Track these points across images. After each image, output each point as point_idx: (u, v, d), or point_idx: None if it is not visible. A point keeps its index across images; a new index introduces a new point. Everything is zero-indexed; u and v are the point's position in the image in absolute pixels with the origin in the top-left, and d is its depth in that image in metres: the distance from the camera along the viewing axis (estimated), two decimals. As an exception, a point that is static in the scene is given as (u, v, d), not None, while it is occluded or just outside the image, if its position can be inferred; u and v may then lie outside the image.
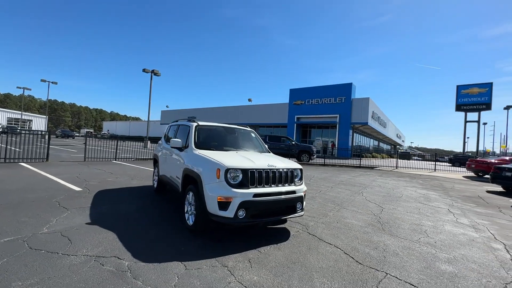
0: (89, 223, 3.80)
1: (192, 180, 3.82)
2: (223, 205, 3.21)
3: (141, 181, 7.35)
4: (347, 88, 30.46)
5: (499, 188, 10.90)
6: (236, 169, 3.35)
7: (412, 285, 2.63)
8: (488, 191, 10.08)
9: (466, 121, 39.86)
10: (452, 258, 3.37)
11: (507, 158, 16.16)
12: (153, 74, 25.71)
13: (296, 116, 34.29)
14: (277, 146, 17.87)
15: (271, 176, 3.53)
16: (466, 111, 40.62)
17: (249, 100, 41.54)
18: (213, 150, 4.23)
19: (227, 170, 3.31)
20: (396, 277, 2.76)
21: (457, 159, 30.06)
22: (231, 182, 3.29)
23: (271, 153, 4.83)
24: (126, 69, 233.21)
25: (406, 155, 44.44)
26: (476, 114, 40.10)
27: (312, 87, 33.41)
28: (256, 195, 3.30)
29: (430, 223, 4.98)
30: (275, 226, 4.14)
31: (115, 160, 12.48)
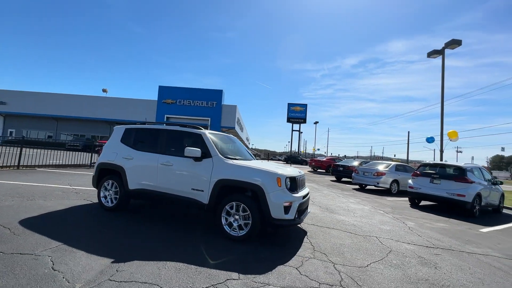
0: None
1: (241, 191, 3.89)
2: (287, 209, 3.72)
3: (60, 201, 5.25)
4: (218, 94, 33.01)
5: (333, 178, 16.75)
6: (289, 177, 3.93)
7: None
8: (332, 180, 15.37)
9: (292, 130, 54.24)
10: (363, 218, 5.73)
11: (333, 157, 24.53)
12: None
13: (166, 116, 32.73)
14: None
15: (300, 181, 4.37)
16: (293, 122, 54.82)
17: (104, 90, 34.61)
18: (236, 159, 4.34)
19: (286, 178, 3.83)
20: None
21: (289, 158, 40.57)
22: (289, 188, 3.85)
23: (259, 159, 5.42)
24: None
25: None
26: (298, 125, 55.28)
27: (184, 88, 33.24)
28: (303, 197, 4.06)
29: (341, 204, 7.53)
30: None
31: None
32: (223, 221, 3.89)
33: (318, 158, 24.48)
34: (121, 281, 2.47)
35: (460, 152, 72.06)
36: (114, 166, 4.84)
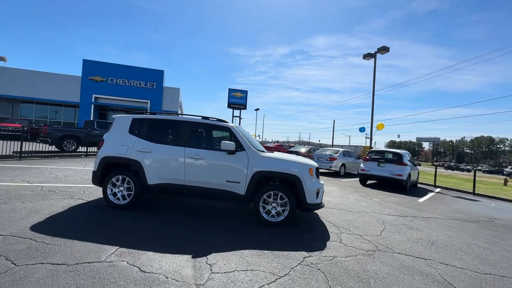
0: None
1: (278, 181, 4.24)
2: (317, 195, 4.33)
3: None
4: (158, 75, 30.29)
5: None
6: (316, 168, 4.52)
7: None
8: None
9: (233, 116, 54.68)
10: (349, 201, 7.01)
11: (281, 144, 26.23)
12: None
13: (93, 95, 28.23)
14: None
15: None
16: (233, 108, 54.89)
17: (1, 59, 27.12)
18: (264, 152, 4.64)
19: (316, 168, 4.41)
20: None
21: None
22: (316, 177, 4.45)
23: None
24: None
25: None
26: (239, 111, 55.85)
27: (117, 65, 29.11)
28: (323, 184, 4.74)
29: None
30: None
31: None
32: (261, 209, 4.22)
33: (268, 145, 25.91)
34: (225, 272, 2.63)
35: (368, 138, 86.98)
36: (127, 160, 4.42)
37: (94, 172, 4.54)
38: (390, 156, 10.29)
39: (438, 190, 11.22)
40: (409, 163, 10.13)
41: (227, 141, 4.26)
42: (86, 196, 5.07)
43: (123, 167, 4.55)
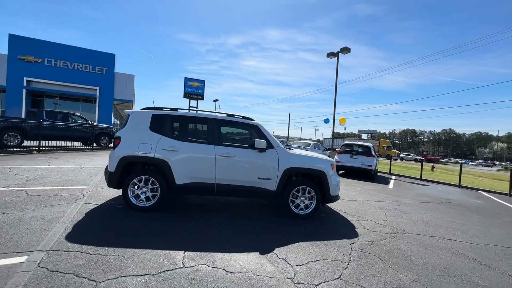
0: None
1: (305, 177, 4.51)
2: (337, 187, 4.78)
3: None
4: (109, 58, 27.11)
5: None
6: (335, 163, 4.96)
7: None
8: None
9: (190, 107, 52.51)
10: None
11: None
12: None
13: (25, 79, 23.89)
14: (63, 127, 13.05)
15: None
16: (190, 98, 52.67)
17: None
18: (290, 149, 4.85)
19: (335, 164, 4.84)
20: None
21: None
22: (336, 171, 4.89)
23: None
24: None
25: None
26: (196, 102, 53.86)
27: (57, 44, 25.00)
28: (338, 178, 5.23)
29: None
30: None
31: None
32: (291, 203, 4.48)
33: None
34: (302, 264, 2.85)
35: (317, 129, 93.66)
36: (152, 160, 4.13)
37: (111, 174, 4.13)
38: (360, 148, 11.55)
39: (394, 177, 13.07)
40: (375, 154, 11.54)
41: (260, 139, 4.35)
42: (90, 199, 4.56)
43: (146, 167, 4.25)
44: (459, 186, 11.49)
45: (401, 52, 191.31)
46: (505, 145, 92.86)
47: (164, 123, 4.37)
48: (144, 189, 4.16)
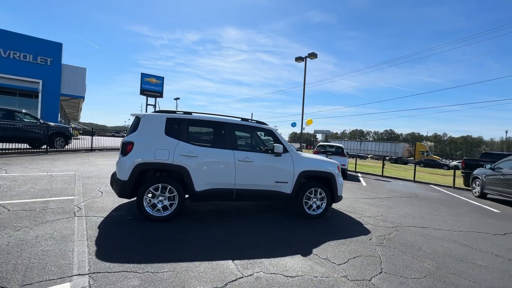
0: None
1: (317, 179, 4.74)
2: (342, 188, 5.15)
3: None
4: (55, 48, 23.87)
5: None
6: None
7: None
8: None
9: (147, 104, 49.13)
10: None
11: None
12: None
13: None
14: (8, 126, 11.19)
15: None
16: (147, 96, 49.34)
17: None
18: (301, 153, 5.04)
19: (340, 166, 5.21)
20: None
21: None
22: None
23: None
24: None
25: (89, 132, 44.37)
26: (154, 99, 50.62)
27: (-15, 27, 21.04)
28: (338, 178, 5.61)
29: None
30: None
31: None
32: (304, 205, 4.68)
33: None
34: (344, 262, 3.05)
35: (277, 129, 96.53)
36: (170, 166, 3.89)
37: (124, 183, 3.78)
38: (333, 149, 12.42)
39: (360, 175, 14.36)
40: (346, 154, 12.54)
41: (278, 144, 4.45)
42: (90, 211, 4.09)
43: (163, 174, 3.99)
44: (414, 181, 13.21)
45: (349, 59, 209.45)
46: (433, 143, 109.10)
47: (180, 127, 4.16)
48: (161, 198, 3.91)
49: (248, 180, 4.34)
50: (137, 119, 4.18)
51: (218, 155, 4.21)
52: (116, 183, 3.90)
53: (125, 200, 4.84)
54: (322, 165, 4.86)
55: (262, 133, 5.04)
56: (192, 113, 4.42)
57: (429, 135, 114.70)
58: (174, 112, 4.33)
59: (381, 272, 2.90)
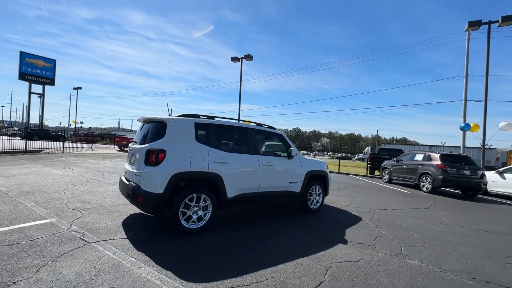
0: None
1: (316, 178, 5.40)
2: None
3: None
4: None
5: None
6: (325, 164, 6.18)
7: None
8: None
9: (30, 93, 38.66)
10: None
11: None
12: None
13: None
14: None
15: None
16: (31, 81, 39.15)
17: None
18: (303, 155, 5.56)
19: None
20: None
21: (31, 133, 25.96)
22: (327, 171, 6.13)
23: None
24: None
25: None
26: (41, 87, 40.44)
27: None
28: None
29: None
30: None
31: None
32: (308, 201, 5.28)
33: (126, 136, 21.86)
34: (375, 240, 3.81)
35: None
36: (206, 174, 3.68)
37: (159, 197, 3.35)
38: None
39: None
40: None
41: (292, 148, 4.85)
42: (96, 234, 3.42)
43: (197, 183, 3.72)
44: (339, 172, 16.01)
45: (261, 62, 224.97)
46: (328, 140, 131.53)
47: (208, 133, 3.99)
48: (196, 208, 3.68)
49: (270, 183, 4.58)
50: (159, 124, 3.74)
51: (246, 160, 4.26)
52: (147, 198, 3.39)
53: (123, 217, 4.21)
54: (319, 165, 5.59)
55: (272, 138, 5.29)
56: (215, 118, 4.27)
57: (325, 133, 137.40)
58: (197, 116, 4.06)
59: (401, 247, 3.81)
